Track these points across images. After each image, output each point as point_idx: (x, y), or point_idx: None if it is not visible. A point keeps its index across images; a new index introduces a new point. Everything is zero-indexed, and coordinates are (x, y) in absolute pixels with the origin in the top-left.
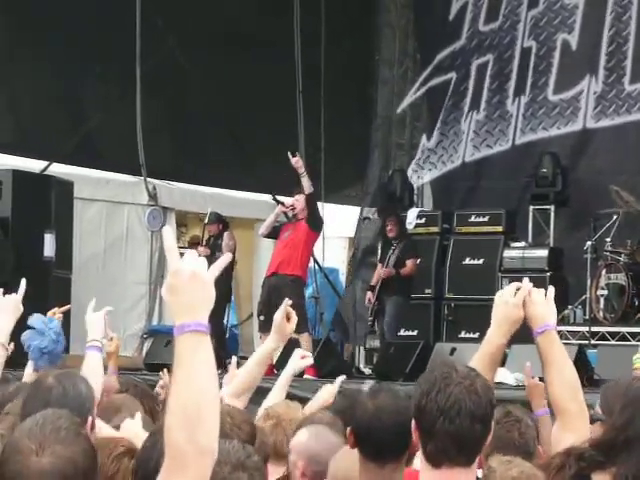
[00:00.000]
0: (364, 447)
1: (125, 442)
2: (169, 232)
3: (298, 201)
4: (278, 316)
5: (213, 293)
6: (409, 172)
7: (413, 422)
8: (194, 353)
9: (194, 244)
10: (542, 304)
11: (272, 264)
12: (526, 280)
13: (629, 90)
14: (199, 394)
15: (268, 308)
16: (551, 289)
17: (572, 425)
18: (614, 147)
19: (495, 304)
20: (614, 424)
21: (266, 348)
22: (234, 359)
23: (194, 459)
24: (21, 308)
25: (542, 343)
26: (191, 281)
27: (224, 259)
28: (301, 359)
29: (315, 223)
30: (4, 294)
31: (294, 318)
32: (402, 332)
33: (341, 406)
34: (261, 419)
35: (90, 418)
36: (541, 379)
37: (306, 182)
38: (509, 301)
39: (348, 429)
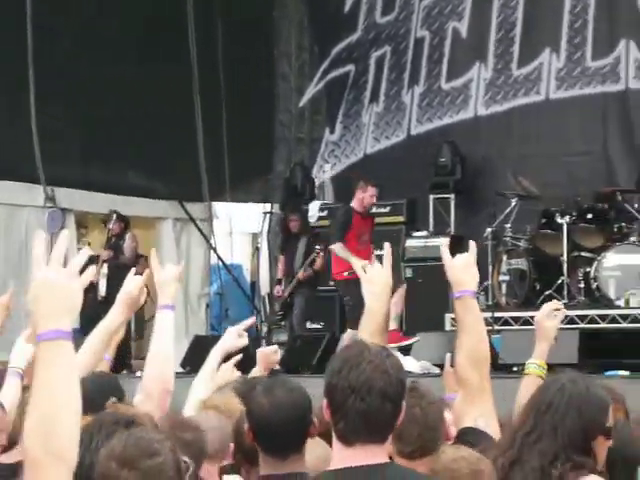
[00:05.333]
0: (263, 443)
1: None
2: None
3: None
4: (129, 289)
5: (77, 300)
6: (315, 166)
7: (324, 400)
8: (53, 360)
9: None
10: (462, 269)
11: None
12: (472, 244)
13: (516, 75)
14: (56, 401)
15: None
16: (472, 248)
17: (473, 397)
18: (506, 132)
19: (362, 282)
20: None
21: (111, 321)
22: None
23: (50, 466)
24: None
25: (458, 308)
26: (52, 289)
27: (88, 271)
28: (236, 338)
29: None
30: None
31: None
32: (309, 325)
33: (240, 390)
34: (198, 411)
35: None
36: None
37: None
38: (380, 271)
39: (246, 426)
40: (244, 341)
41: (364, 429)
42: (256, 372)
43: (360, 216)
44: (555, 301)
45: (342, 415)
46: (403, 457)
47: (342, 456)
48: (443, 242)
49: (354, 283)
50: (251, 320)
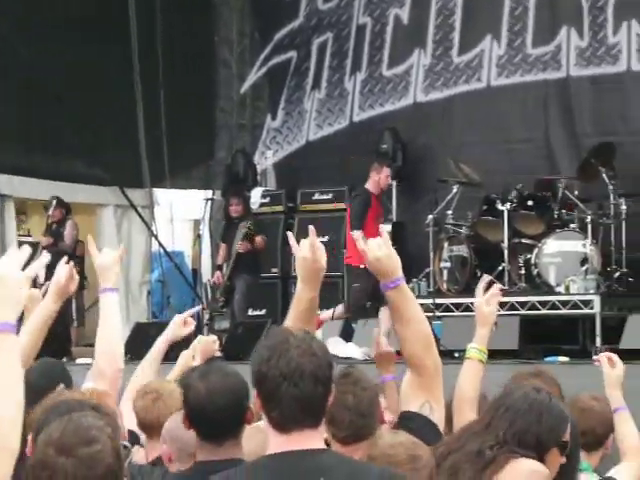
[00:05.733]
0: (200, 428)
1: None
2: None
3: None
4: (57, 278)
5: (21, 293)
6: (256, 153)
7: (254, 391)
8: None
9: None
10: (385, 258)
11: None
12: (383, 228)
13: (457, 62)
14: None
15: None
16: (384, 233)
17: (428, 384)
18: (446, 119)
19: (297, 263)
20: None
21: (44, 309)
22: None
23: None
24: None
25: (394, 298)
26: None
27: (38, 265)
28: (183, 326)
29: None
30: None
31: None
32: (251, 312)
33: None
34: (138, 396)
35: None
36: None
37: None
38: (307, 256)
39: (182, 412)
40: (190, 329)
41: (299, 414)
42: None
43: (376, 198)
44: (495, 286)
45: (276, 403)
46: (337, 441)
47: (278, 442)
48: (356, 235)
49: (366, 274)
50: (196, 308)
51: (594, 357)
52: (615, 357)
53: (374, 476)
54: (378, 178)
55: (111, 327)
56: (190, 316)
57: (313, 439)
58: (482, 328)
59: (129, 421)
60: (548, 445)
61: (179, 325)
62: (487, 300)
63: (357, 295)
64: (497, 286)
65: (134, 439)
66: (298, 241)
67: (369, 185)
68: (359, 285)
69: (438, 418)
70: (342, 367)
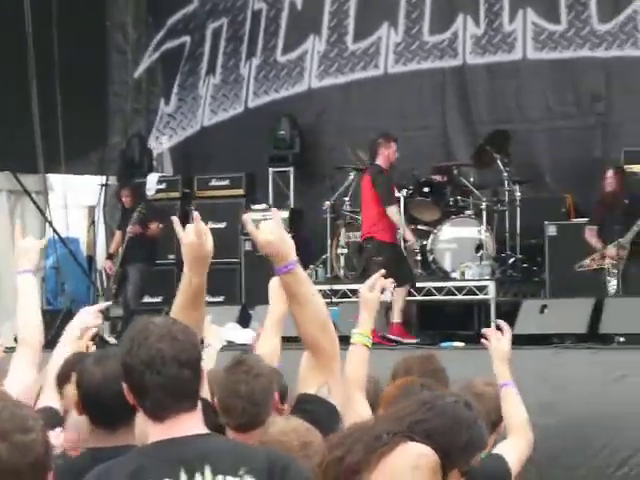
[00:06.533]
0: (93, 414)
1: None
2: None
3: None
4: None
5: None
6: (150, 138)
7: (124, 385)
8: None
9: None
10: (278, 241)
11: None
12: (275, 210)
13: (352, 49)
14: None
15: None
16: (275, 215)
17: (325, 366)
18: (345, 106)
19: (183, 248)
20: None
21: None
22: None
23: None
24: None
25: (289, 282)
26: None
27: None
28: (92, 316)
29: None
30: None
31: None
32: (147, 299)
33: (70, 362)
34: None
35: None
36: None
37: None
38: (193, 241)
39: (75, 396)
40: (98, 321)
41: (170, 401)
42: (71, 343)
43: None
44: (381, 271)
45: (144, 393)
46: (231, 429)
47: (155, 431)
48: (245, 218)
49: (392, 248)
50: (107, 303)
51: (482, 331)
52: (505, 331)
53: (260, 458)
54: (388, 153)
55: (34, 303)
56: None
57: (191, 423)
58: (365, 313)
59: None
60: (453, 463)
61: (89, 315)
62: (370, 286)
63: (377, 269)
64: (382, 272)
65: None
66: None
67: (380, 161)
68: (382, 258)
69: (337, 400)
70: (237, 354)
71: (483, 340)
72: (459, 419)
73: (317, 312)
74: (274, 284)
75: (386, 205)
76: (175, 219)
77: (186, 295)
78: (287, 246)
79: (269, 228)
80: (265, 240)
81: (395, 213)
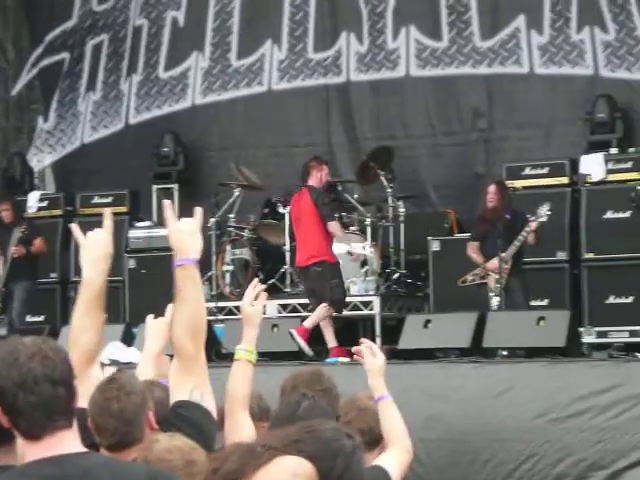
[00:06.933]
0: None
1: None
2: None
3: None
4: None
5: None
6: (29, 156)
7: None
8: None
9: None
10: (188, 235)
11: None
12: (198, 210)
13: (236, 65)
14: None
15: None
16: (198, 214)
17: (191, 369)
18: (230, 122)
19: (82, 250)
20: None
21: None
22: None
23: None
24: None
25: (178, 277)
26: None
27: None
28: None
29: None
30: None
31: None
32: (29, 318)
33: None
34: None
35: None
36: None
37: None
38: (99, 237)
39: None
40: None
41: (45, 420)
42: None
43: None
44: (260, 286)
45: (19, 414)
46: (105, 449)
47: (32, 450)
48: (166, 203)
49: (339, 268)
50: None
51: (353, 349)
52: (375, 347)
53: (141, 475)
54: (320, 175)
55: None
56: None
57: (69, 441)
58: (248, 328)
59: None
60: None
61: None
62: (250, 301)
63: (337, 290)
64: (261, 286)
65: None
66: (77, 245)
67: (312, 182)
68: (337, 281)
69: (210, 405)
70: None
71: (357, 357)
72: (336, 446)
73: (192, 316)
74: (149, 321)
75: (330, 220)
76: (74, 225)
77: (89, 296)
78: (193, 243)
79: (186, 221)
80: (176, 228)
81: (339, 228)
